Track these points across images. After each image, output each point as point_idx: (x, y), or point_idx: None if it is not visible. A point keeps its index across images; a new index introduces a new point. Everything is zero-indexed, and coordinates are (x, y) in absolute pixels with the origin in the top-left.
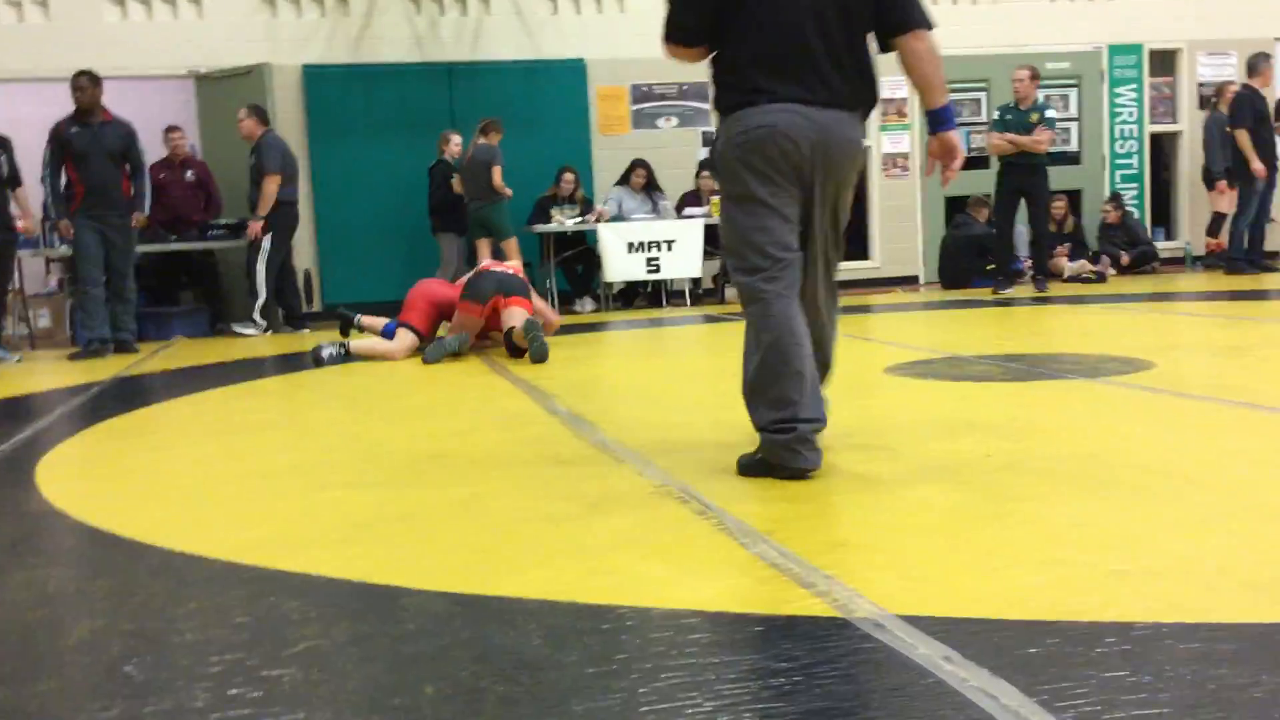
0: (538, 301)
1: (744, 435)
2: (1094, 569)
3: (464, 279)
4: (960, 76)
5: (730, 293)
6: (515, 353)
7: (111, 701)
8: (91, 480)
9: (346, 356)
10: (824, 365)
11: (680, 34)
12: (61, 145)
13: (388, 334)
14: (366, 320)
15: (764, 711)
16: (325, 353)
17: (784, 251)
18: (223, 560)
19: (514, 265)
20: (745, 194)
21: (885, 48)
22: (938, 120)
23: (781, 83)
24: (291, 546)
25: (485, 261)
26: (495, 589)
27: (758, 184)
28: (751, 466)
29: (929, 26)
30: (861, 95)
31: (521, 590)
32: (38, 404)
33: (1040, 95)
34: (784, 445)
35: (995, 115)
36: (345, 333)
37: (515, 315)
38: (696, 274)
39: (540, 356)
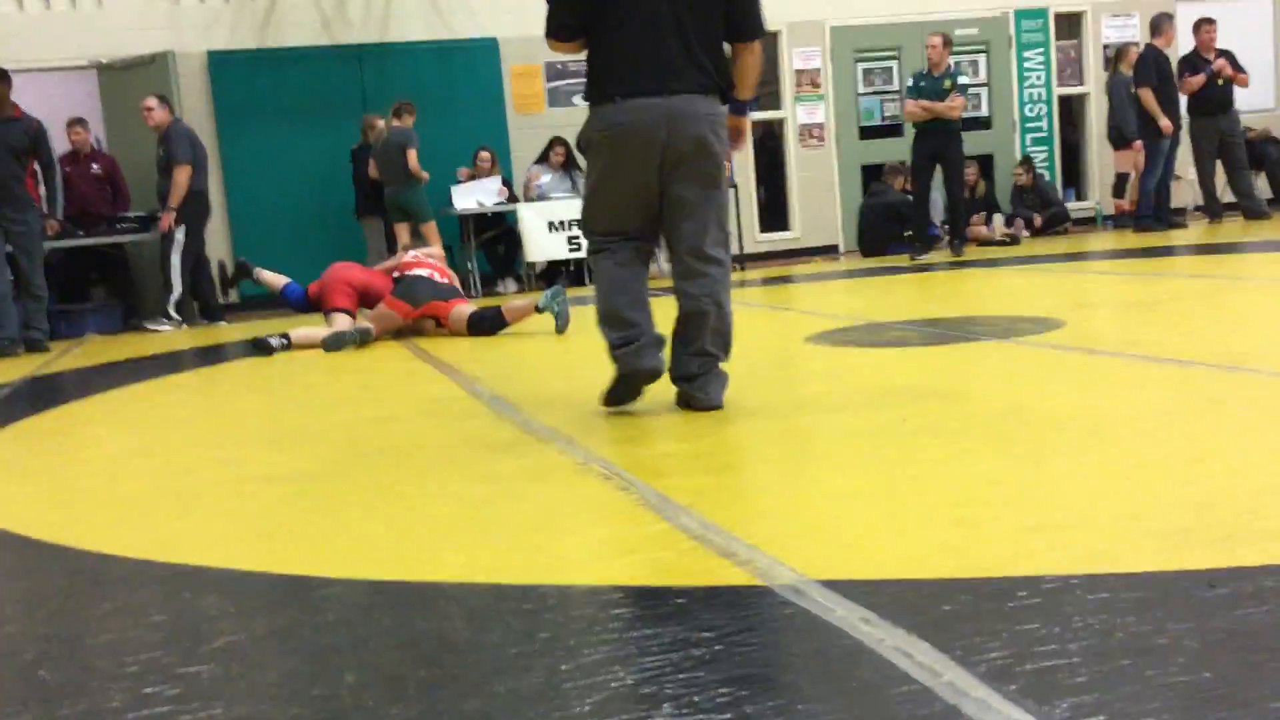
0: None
1: (671, 410)
2: (1006, 524)
3: (386, 266)
4: (872, 45)
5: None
6: (478, 332)
7: (25, 706)
8: (3, 483)
9: (288, 345)
10: (716, 333)
11: (559, 30)
12: None
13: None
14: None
15: (686, 681)
16: (275, 342)
17: (622, 229)
18: (138, 559)
19: (437, 252)
20: (600, 179)
21: (731, 43)
22: (739, 108)
23: (638, 77)
24: (209, 542)
25: (413, 254)
26: (416, 574)
27: (610, 172)
28: (611, 391)
29: (762, 37)
30: (713, 83)
31: (443, 574)
32: None
33: (952, 62)
34: (624, 357)
35: (909, 83)
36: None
37: (463, 310)
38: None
39: (564, 325)
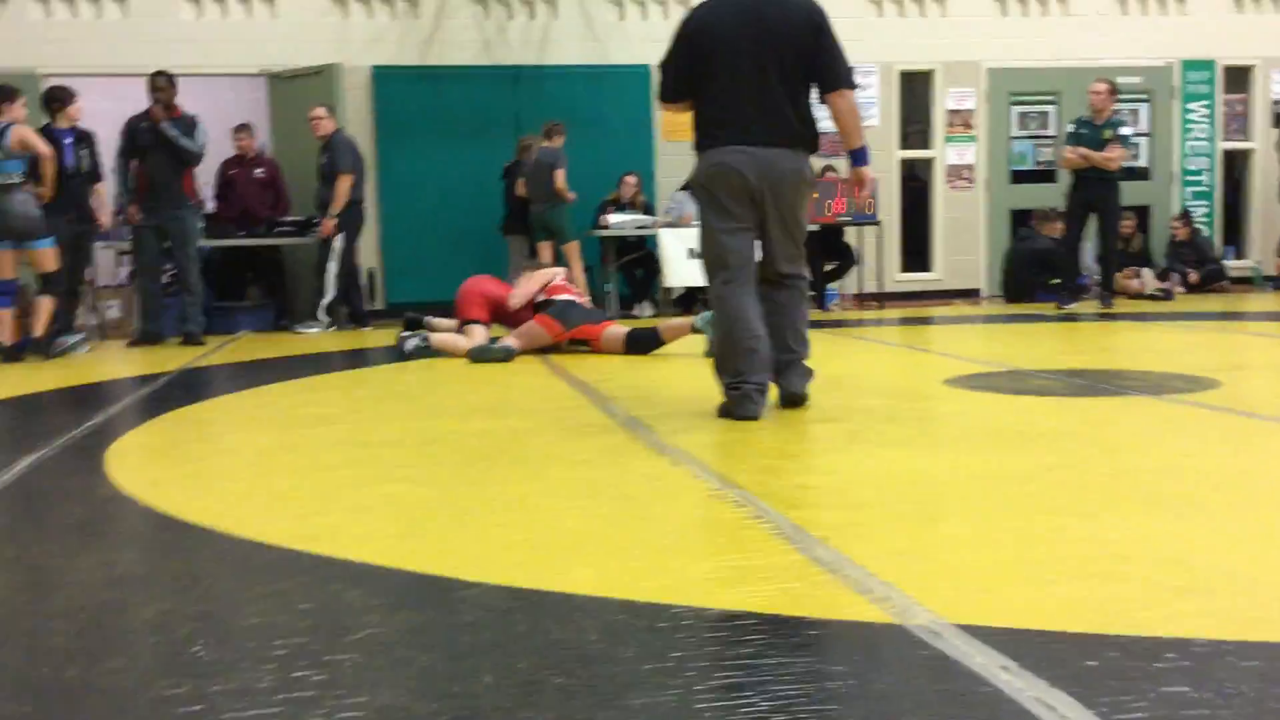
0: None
1: (806, 442)
2: (1154, 584)
3: (524, 290)
4: (1030, 88)
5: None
6: (635, 350)
7: (180, 680)
8: (158, 468)
9: (427, 349)
10: (795, 333)
11: (670, 94)
12: (131, 139)
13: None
14: (438, 324)
15: (819, 713)
16: (409, 345)
17: (740, 260)
18: (285, 548)
19: (575, 271)
20: (712, 215)
21: (821, 100)
22: (855, 158)
23: (732, 130)
24: (351, 537)
25: (560, 278)
26: (551, 585)
27: (719, 207)
28: (719, 411)
29: (851, 87)
30: (801, 136)
31: (577, 587)
32: (107, 393)
33: (1116, 111)
34: (735, 399)
35: (1069, 128)
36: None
37: (618, 330)
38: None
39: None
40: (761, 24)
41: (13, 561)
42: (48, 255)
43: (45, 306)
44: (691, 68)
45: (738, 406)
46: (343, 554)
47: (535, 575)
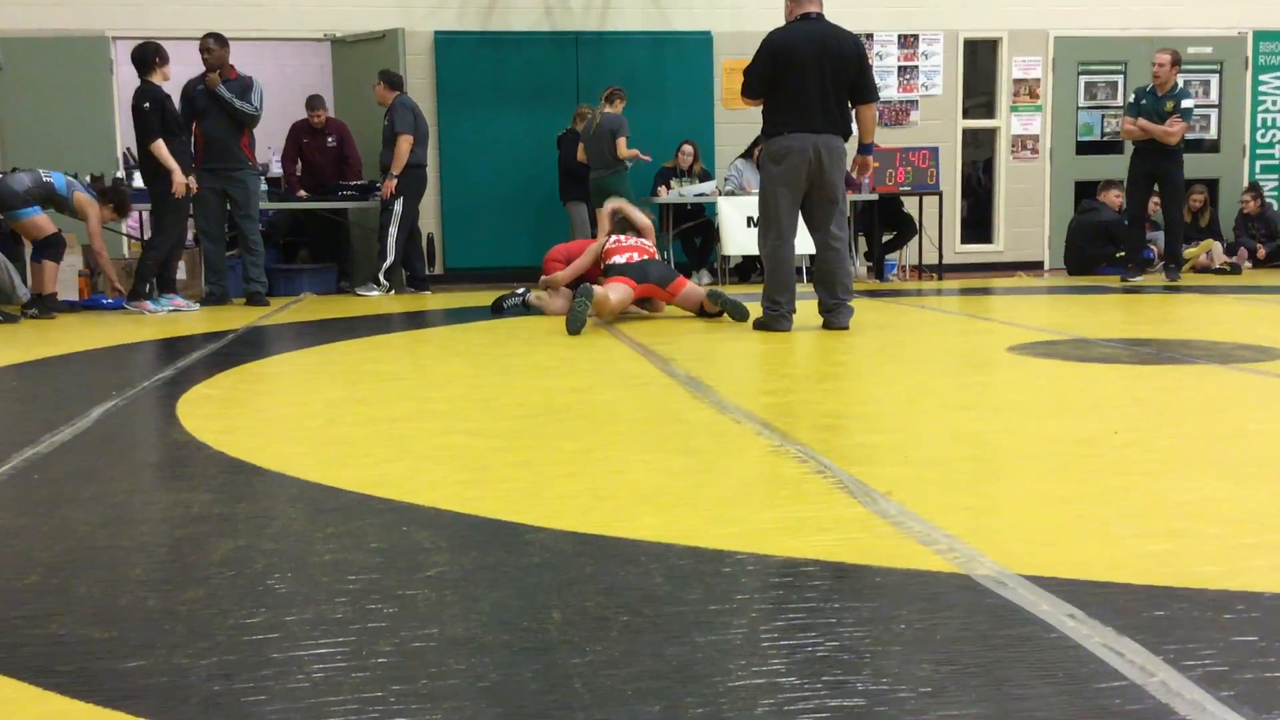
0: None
1: (867, 404)
2: (1222, 540)
3: (604, 244)
4: (1098, 58)
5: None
6: (706, 315)
7: (256, 610)
8: (229, 418)
9: (524, 307)
10: (843, 285)
11: (751, 92)
12: (189, 102)
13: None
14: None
15: (886, 654)
16: (507, 303)
17: (789, 220)
18: (356, 492)
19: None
20: (772, 185)
21: (852, 106)
22: (864, 150)
23: (798, 120)
24: (419, 484)
25: (634, 239)
26: (616, 531)
27: (779, 180)
28: (755, 324)
29: (876, 100)
30: (844, 127)
31: (642, 534)
32: (175, 348)
33: (1180, 81)
34: (773, 317)
35: (1131, 99)
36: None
37: (694, 289)
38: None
39: (740, 312)
40: (824, 50)
41: (93, 500)
42: (34, 223)
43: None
44: (771, 75)
45: (775, 322)
46: (411, 499)
47: (600, 522)
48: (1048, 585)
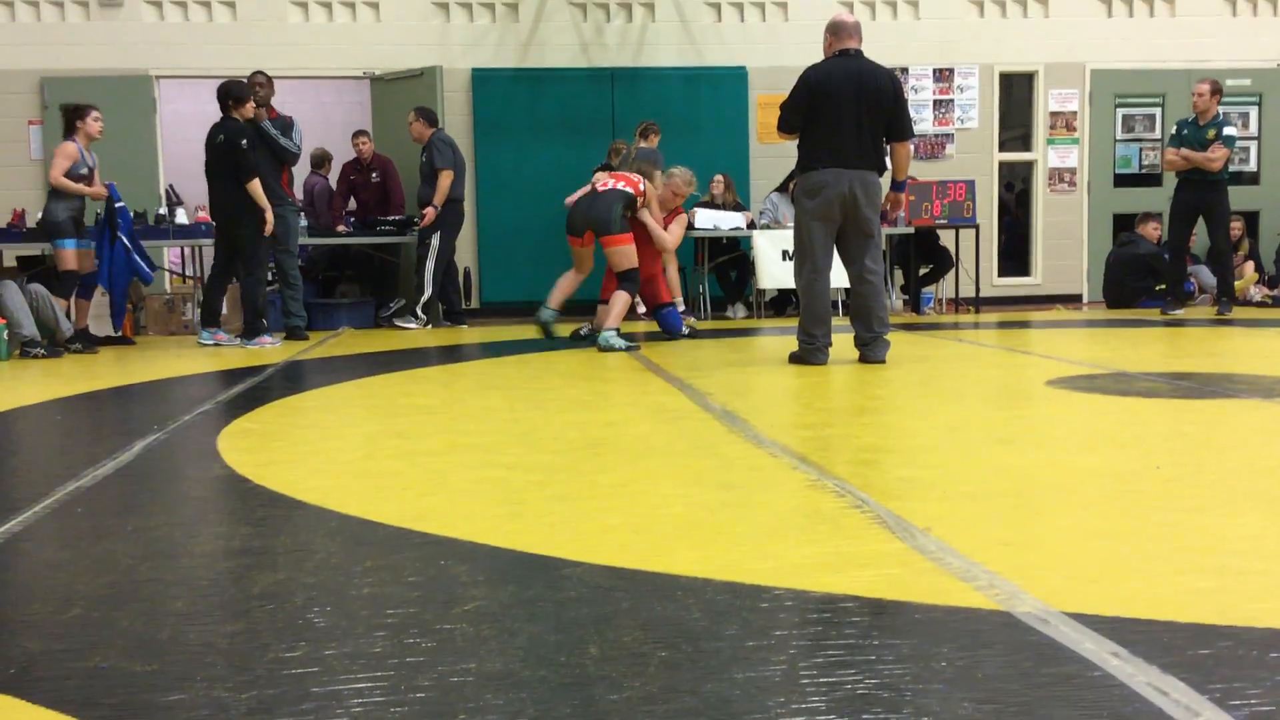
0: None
1: (904, 438)
2: (1268, 577)
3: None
4: (1136, 90)
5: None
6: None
7: (295, 644)
8: (269, 451)
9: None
10: (879, 318)
11: (787, 127)
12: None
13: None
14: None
15: (926, 692)
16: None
17: (824, 253)
18: (394, 525)
19: (671, 271)
20: (807, 219)
21: (887, 143)
22: (898, 187)
23: (833, 155)
24: (457, 517)
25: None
26: (653, 566)
27: (814, 214)
28: (791, 357)
29: (911, 137)
30: (879, 163)
31: (679, 568)
32: (215, 382)
33: (1221, 112)
34: (809, 351)
35: (1172, 130)
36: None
37: (622, 261)
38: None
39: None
40: (861, 86)
41: (134, 533)
42: (64, 256)
43: (81, 305)
44: (808, 110)
45: (810, 355)
46: (449, 532)
47: (638, 557)
48: (1090, 623)
